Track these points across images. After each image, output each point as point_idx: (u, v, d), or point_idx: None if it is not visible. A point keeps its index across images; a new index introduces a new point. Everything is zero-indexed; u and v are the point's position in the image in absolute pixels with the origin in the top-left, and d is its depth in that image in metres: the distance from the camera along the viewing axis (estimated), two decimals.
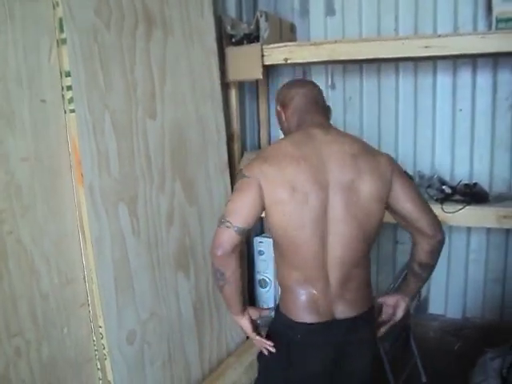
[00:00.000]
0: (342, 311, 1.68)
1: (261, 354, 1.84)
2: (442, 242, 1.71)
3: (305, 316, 1.69)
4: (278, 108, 1.86)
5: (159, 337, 2.41)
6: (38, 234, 1.93)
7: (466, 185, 3.14)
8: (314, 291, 1.67)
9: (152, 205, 2.38)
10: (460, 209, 2.92)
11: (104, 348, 2.12)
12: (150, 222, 2.37)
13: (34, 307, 1.91)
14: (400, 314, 1.85)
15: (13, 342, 1.82)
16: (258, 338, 1.80)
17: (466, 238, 3.57)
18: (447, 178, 3.36)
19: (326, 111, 1.84)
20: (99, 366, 2.16)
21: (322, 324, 1.68)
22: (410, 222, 1.69)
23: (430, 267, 1.78)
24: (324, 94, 3.75)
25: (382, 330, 1.87)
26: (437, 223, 1.69)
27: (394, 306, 1.85)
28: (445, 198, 3.04)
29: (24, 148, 1.88)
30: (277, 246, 1.72)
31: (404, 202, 1.66)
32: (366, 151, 1.68)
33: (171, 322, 2.50)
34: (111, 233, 2.15)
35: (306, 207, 1.59)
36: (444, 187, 3.11)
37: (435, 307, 3.75)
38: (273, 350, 1.74)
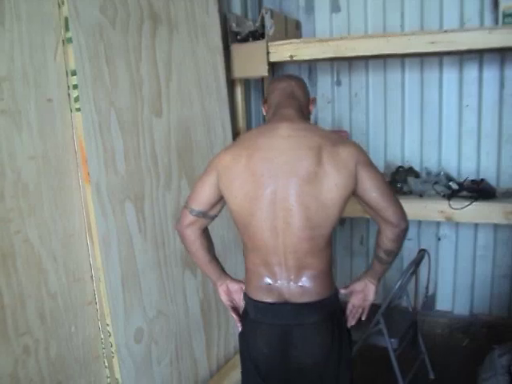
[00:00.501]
0: (295, 296, 1.73)
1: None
2: (405, 231, 1.74)
3: (259, 295, 1.76)
4: (263, 100, 1.99)
5: (166, 335, 2.42)
6: (46, 233, 1.93)
7: (472, 181, 3.14)
8: (268, 274, 1.74)
9: (158, 203, 2.38)
10: (467, 205, 2.92)
11: (111, 346, 2.12)
12: (157, 219, 2.37)
13: (42, 306, 1.91)
14: (371, 296, 1.88)
15: (21, 341, 1.83)
16: (229, 308, 1.96)
17: (473, 234, 3.57)
18: (454, 174, 3.36)
19: (302, 105, 1.87)
20: (107, 364, 2.16)
21: (273, 304, 1.74)
22: (376, 211, 1.71)
23: (394, 253, 1.81)
24: (329, 91, 3.78)
25: (363, 315, 1.92)
26: (401, 212, 1.71)
27: (364, 291, 1.89)
28: (452, 195, 3.03)
29: (31, 147, 1.88)
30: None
31: (370, 191, 1.68)
32: (330, 144, 1.67)
33: (178, 320, 2.50)
34: (118, 231, 2.15)
35: (257, 196, 1.66)
36: (451, 183, 3.11)
37: (442, 304, 3.75)
38: (238, 323, 1.91)
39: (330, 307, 1.78)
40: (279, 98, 1.86)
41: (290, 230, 1.67)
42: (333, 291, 1.79)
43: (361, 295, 1.90)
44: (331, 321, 1.77)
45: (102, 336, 2.15)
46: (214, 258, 1.94)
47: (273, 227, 1.67)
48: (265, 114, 1.95)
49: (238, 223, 1.77)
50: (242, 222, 1.74)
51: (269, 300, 1.74)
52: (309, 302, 1.73)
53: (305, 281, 1.72)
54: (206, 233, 1.88)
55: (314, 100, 1.95)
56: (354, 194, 1.70)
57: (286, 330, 1.74)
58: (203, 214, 1.80)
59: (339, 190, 1.64)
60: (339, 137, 1.77)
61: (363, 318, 1.92)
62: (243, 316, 1.89)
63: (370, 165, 1.71)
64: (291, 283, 1.72)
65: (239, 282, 1.95)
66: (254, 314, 1.80)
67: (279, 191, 1.65)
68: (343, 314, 1.89)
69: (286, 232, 1.67)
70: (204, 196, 1.79)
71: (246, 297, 1.83)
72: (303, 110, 1.86)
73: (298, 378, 1.82)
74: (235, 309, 1.95)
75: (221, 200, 1.80)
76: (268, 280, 1.74)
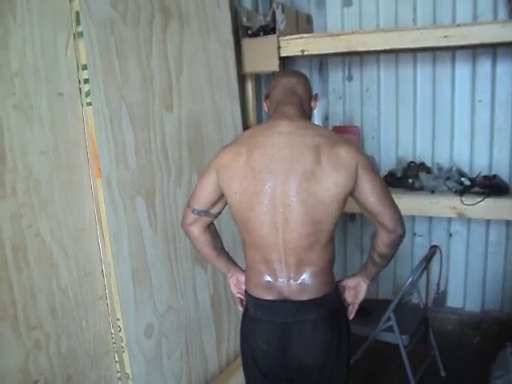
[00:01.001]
0: (295, 293, 1.73)
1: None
2: (401, 237, 1.74)
3: (259, 292, 1.77)
4: (264, 99, 1.98)
5: (177, 330, 2.42)
6: (57, 227, 1.93)
7: (485, 177, 3.11)
8: (268, 271, 1.74)
9: (169, 198, 2.38)
10: (479, 201, 2.89)
11: (122, 341, 2.13)
12: (168, 215, 2.37)
13: (53, 300, 1.91)
14: (362, 295, 1.91)
15: (32, 335, 1.83)
16: (238, 300, 2.00)
17: (485, 230, 3.54)
18: (466, 170, 3.33)
19: (304, 102, 1.86)
20: (117, 359, 2.17)
21: (273, 301, 1.75)
22: (373, 215, 1.71)
23: (388, 258, 1.82)
24: (341, 86, 3.76)
25: (351, 314, 1.93)
26: (398, 218, 1.71)
27: (355, 288, 1.92)
28: (464, 190, 3.01)
29: (42, 142, 1.88)
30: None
31: (368, 195, 1.68)
32: (330, 144, 1.67)
33: (189, 315, 2.50)
34: (129, 226, 2.15)
35: (257, 191, 1.67)
36: (463, 179, 3.09)
37: (454, 300, 3.73)
38: (241, 309, 1.96)
39: (331, 304, 1.78)
40: (280, 95, 1.86)
41: (289, 225, 1.67)
42: (333, 287, 1.80)
43: (352, 292, 1.93)
44: (331, 318, 1.78)
45: (113, 331, 2.15)
46: (222, 253, 1.98)
47: (272, 223, 1.68)
48: (266, 109, 1.95)
49: (237, 219, 1.78)
50: (241, 217, 1.74)
51: (269, 297, 1.75)
52: (309, 300, 1.73)
53: (305, 278, 1.72)
54: (210, 229, 1.90)
55: (317, 96, 1.94)
56: (351, 195, 1.70)
57: (285, 328, 1.75)
58: (205, 213, 1.84)
59: (338, 189, 1.64)
60: (341, 137, 1.76)
61: (350, 318, 1.92)
62: (244, 311, 1.90)
63: (370, 168, 1.70)
64: (291, 281, 1.73)
65: None
66: (253, 310, 1.81)
67: (279, 187, 1.66)
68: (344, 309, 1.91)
69: (286, 228, 1.67)
70: (205, 195, 1.81)
71: (247, 293, 1.84)
72: (304, 107, 1.86)
73: (298, 375, 1.83)
74: (243, 301, 1.96)
75: (222, 198, 1.81)
76: (268, 277, 1.75)
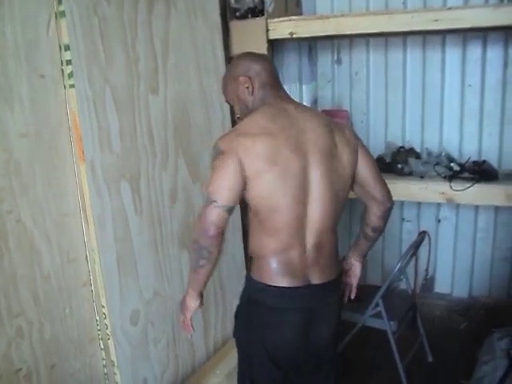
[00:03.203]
0: (317, 276, 1.74)
1: (237, 326, 1.91)
2: (390, 209, 1.87)
3: (279, 280, 1.72)
4: (242, 79, 1.78)
5: (163, 316, 2.39)
6: (39, 212, 1.90)
7: (474, 162, 3.10)
8: (291, 256, 1.71)
9: (155, 182, 2.34)
10: (468, 186, 2.89)
11: (107, 328, 2.10)
12: (153, 199, 2.33)
13: (35, 287, 1.88)
14: (358, 273, 2.01)
15: (14, 323, 1.80)
16: (189, 319, 1.86)
17: (473, 216, 3.54)
18: (455, 155, 3.33)
19: None
20: (102, 346, 2.14)
21: (298, 288, 1.72)
22: (366, 189, 1.82)
23: (380, 230, 1.92)
24: (330, 69, 3.73)
25: (352, 294, 2.03)
26: (388, 192, 1.84)
27: (352, 269, 2.02)
28: (453, 176, 3.01)
29: (23, 124, 1.84)
30: (255, 215, 1.72)
31: (363, 169, 1.79)
32: (334, 123, 1.79)
33: (175, 301, 2.45)
34: (113, 211, 2.11)
35: (287, 176, 1.63)
36: (452, 164, 3.09)
37: (442, 286, 3.75)
38: (190, 332, 1.88)
39: (340, 284, 1.88)
40: (270, 79, 1.80)
41: (317, 205, 1.69)
42: (340, 269, 1.88)
43: (347, 273, 2.01)
44: (340, 298, 1.88)
45: (98, 318, 2.12)
46: None
47: (302, 205, 1.67)
48: (250, 90, 1.77)
49: (263, 208, 1.66)
50: (270, 204, 1.64)
51: (291, 284, 1.71)
52: (328, 282, 1.76)
53: (324, 260, 1.76)
54: None
55: None
56: None
57: (312, 313, 1.77)
58: (232, 210, 1.63)
59: (350, 165, 1.75)
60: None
61: (352, 297, 2.01)
62: (252, 305, 1.80)
63: (365, 146, 1.83)
64: (313, 264, 1.73)
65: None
66: (275, 300, 1.74)
67: (309, 168, 1.67)
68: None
69: (314, 208, 1.68)
70: (232, 188, 1.60)
71: (262, 284, 1.74)
72: None
73: (310, 359, 1.86)
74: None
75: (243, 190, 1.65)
76: (289, 263, 1.70)
